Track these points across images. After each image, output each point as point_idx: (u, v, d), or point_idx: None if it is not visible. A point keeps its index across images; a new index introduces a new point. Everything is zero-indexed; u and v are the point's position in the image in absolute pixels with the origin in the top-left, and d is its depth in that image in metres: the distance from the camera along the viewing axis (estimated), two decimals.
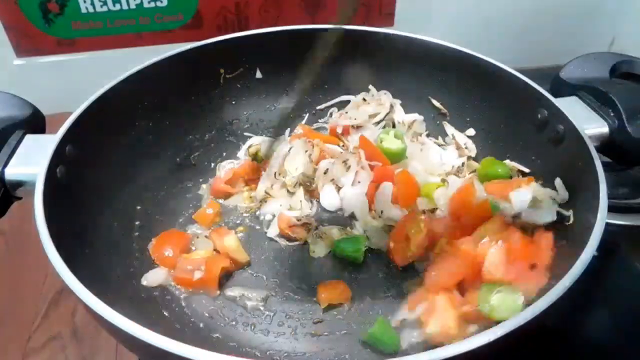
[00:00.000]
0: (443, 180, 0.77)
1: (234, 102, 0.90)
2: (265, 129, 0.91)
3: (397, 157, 0.77)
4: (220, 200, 0.80)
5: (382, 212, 0.73)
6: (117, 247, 0.69)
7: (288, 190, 0.78)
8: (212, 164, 0.85)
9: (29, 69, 1.11)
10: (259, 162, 0.82)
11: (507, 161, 0.77)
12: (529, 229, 0.66)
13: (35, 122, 0.69)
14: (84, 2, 1.05)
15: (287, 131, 0.88)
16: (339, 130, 0.86)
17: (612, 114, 0.69)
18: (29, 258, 0.86)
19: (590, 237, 0.53)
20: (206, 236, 0.73)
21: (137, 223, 0.74)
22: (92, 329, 0.76)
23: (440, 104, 0.88)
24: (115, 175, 0.74)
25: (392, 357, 0.59)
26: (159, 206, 0.77)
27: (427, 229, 0.66)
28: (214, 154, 0.87)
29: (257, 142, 0.86)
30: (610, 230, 0.56)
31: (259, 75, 0.90)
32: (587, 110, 0.72)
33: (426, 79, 0.87)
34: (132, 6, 1.07)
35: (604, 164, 0.60)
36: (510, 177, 0.75)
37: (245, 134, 0.90)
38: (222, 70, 0.87)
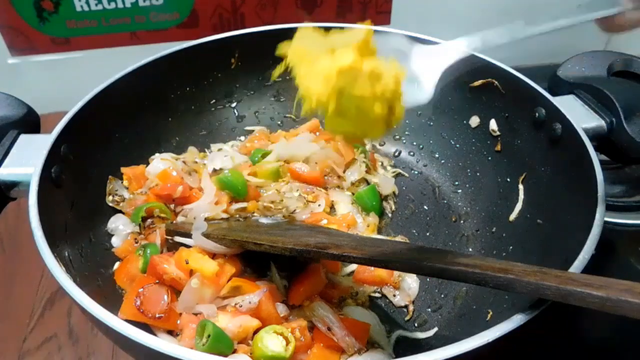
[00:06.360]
0: None
1: (232, 102, 0.90)
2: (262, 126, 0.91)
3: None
4: None
5: None
6: (112, 247, 0.69)
7: None
8: None
9: (23, 68, 1.10)
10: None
11: None
12: None
13: (30, 122, 0.69)
14: (79, 0, 1.04)
15: None
16: None
17: (609, 112, 0.69)
18: (24, 258, 0.85)
19: (588, 236, 0.53)
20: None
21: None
22: (88, 330, 0.75)
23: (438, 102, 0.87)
24: (111, 175, 0.73)
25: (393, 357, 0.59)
26: None
27: None
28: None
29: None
30: (607, 229, 0.56)
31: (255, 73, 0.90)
32: (585, 108, 0.71)
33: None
34: (128, 5, 1.07)
35: (601, 162, 0.60)
36: None
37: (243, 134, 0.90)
38: (218, 69, 0.87)
